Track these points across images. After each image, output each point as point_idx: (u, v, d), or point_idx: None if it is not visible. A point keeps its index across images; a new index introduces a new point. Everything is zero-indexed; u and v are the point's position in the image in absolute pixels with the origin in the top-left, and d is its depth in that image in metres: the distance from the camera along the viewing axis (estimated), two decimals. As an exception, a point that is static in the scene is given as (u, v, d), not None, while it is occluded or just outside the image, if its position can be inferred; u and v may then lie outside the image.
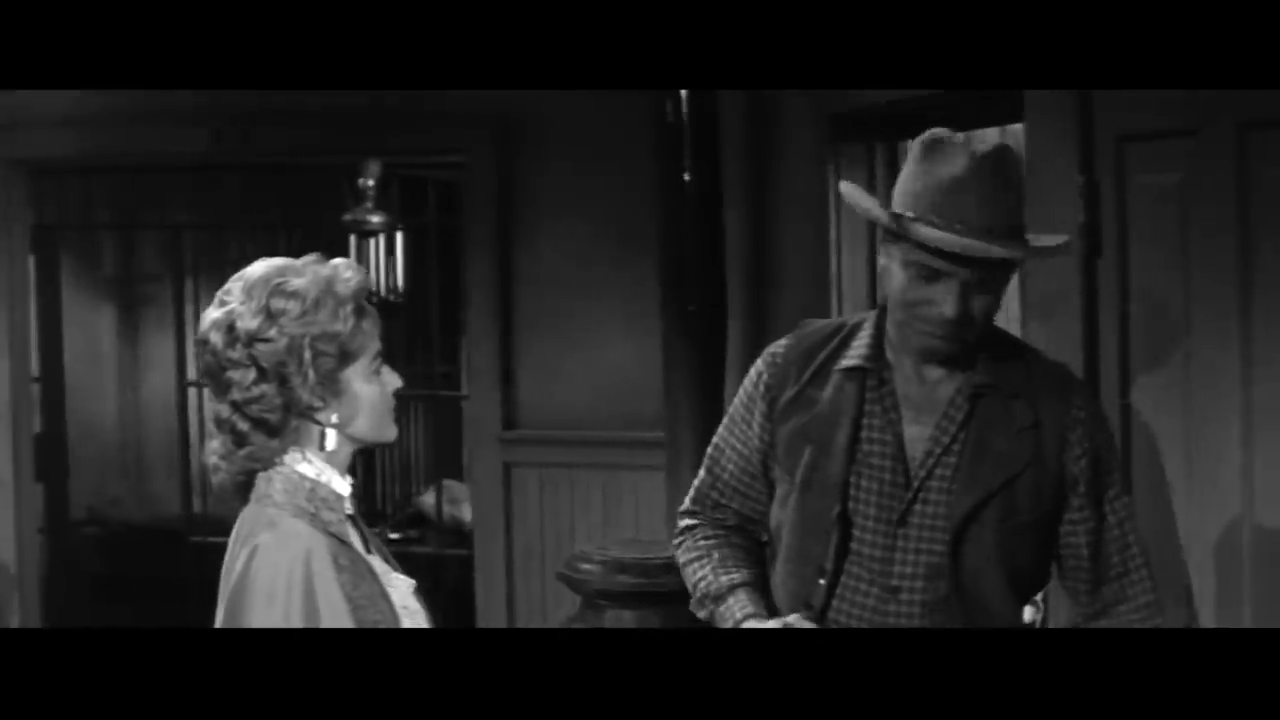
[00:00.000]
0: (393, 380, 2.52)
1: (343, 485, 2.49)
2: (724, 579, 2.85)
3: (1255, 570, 3.35)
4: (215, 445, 2.45)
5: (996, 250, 2.56)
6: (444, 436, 8.85)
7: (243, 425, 2.41)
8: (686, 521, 2.98)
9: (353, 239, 8.45)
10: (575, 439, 5.67)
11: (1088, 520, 2.73)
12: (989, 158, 2.59)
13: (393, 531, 8.15)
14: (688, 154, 4.79)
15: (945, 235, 2.55)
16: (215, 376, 2.41)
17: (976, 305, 2.62)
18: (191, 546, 7.37)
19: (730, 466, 2.91)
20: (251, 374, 2.38)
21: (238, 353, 2.38)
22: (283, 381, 2.38)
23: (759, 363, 2.87)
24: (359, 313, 2.43)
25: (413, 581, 2.56)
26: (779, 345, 2.87)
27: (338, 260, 2.47)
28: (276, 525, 2.40)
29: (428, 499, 8.37)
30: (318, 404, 2.42)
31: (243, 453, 2.42)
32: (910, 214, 2.60)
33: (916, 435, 2.72)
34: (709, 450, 2.95)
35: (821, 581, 2.73)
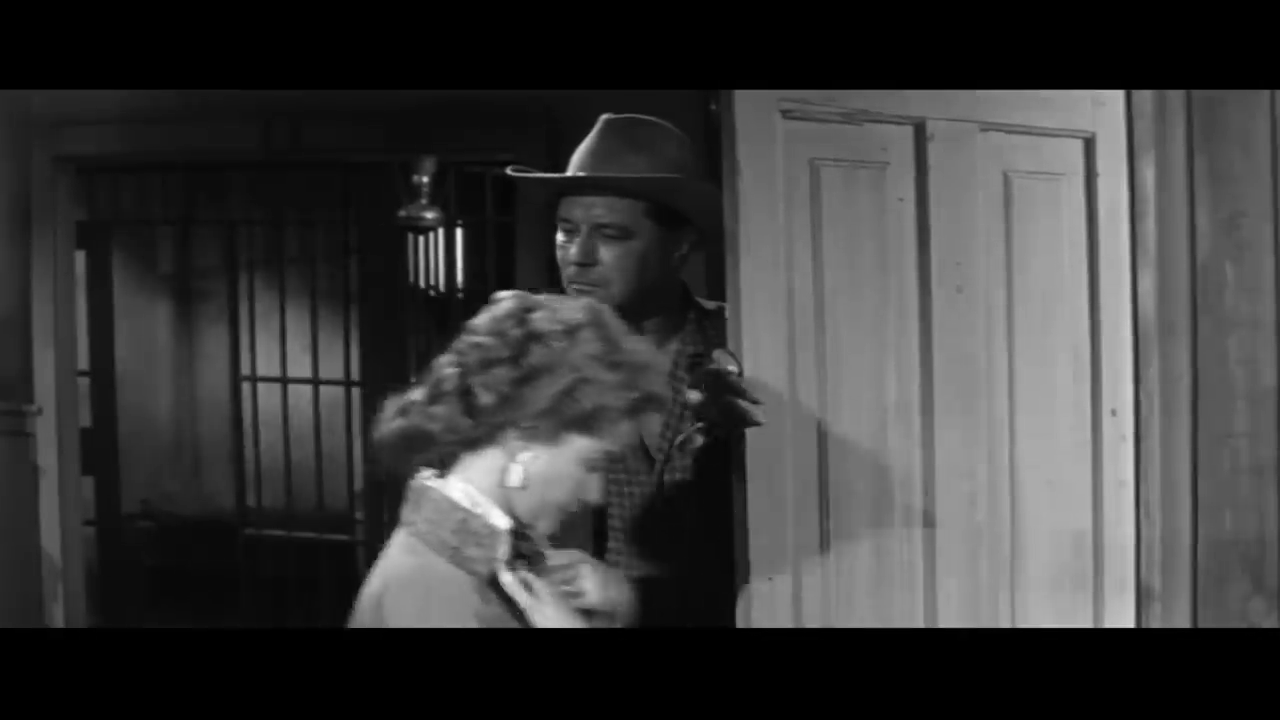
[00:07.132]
0: (592, 490, 2.34)
1: (501, 519, 2.29)
2: None
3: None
4: (440, 411, 2.27)
5: (568, 178, 2.84)
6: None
7: (486, 399, 2.24)
8: None
9: (409, 236, 8.46)
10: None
11: None
12: (617, 122, 2.88)
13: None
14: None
15: (537, 174, 2.93)
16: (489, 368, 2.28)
17: (603, 252, 2.84)
18: (245, 540, 7.46)
19: None
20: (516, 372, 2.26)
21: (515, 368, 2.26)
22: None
23: None
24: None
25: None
26: None
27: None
28: (411, 566, 2.25)
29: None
30: (533, 427, 2.26)
31: (463, 428, 2.25)
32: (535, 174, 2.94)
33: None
34: None
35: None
